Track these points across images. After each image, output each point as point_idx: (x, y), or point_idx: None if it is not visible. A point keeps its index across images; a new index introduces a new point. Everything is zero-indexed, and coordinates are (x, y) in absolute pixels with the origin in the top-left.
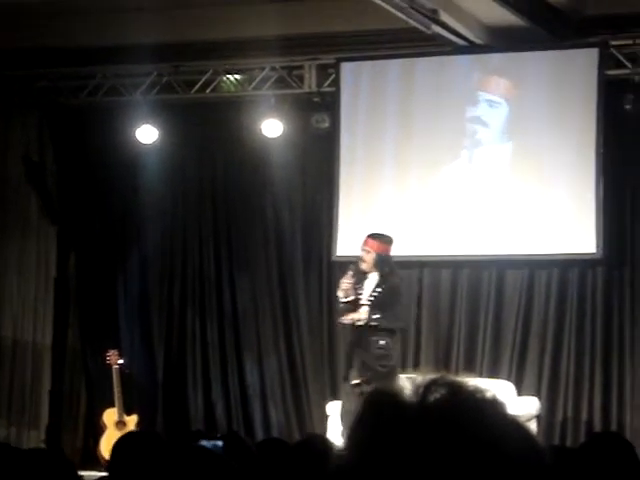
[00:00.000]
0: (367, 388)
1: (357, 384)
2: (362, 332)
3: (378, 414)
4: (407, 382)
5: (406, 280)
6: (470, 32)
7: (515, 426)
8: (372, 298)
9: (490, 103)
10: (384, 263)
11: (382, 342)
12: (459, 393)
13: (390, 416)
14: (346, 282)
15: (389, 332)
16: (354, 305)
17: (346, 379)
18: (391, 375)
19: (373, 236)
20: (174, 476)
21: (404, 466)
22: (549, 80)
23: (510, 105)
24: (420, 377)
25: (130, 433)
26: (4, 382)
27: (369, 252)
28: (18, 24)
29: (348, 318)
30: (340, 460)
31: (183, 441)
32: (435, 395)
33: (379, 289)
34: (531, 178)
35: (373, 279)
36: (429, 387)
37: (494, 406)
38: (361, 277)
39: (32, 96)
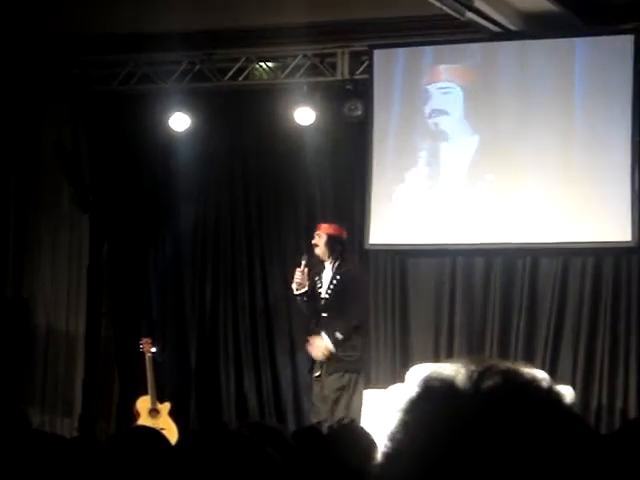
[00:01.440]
0: (326, 379)
1: (318, 376)
2: (325, 326)
3: (431, 400)
4: (459, 368)
5: (439, 269)
6: (505, 19)
7: (571, 416)
8: (330, 291)
9: (441, 89)
10: (335, 244)
11: (339, 335)
12: (514, 381)
13: (443, 402)
14: (299, 273)
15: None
16: (310, 297)
17: (310, 372)
18: (356, 364)
19: (326, 222)
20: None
21: (455, 452)
22: (581, 67)
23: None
24: (474, 364)
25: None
26: (38, 371)
27: (321, 236)
28: (51, 12)
29: (315, 350)
30: (390, 444)
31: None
32: (489, 382)
33: (335, 281)
34: (565, 165)
35: (329, 268)
36: (483, 374)
37: (549, 395)
38: (319, 268)
39: (65, 84)
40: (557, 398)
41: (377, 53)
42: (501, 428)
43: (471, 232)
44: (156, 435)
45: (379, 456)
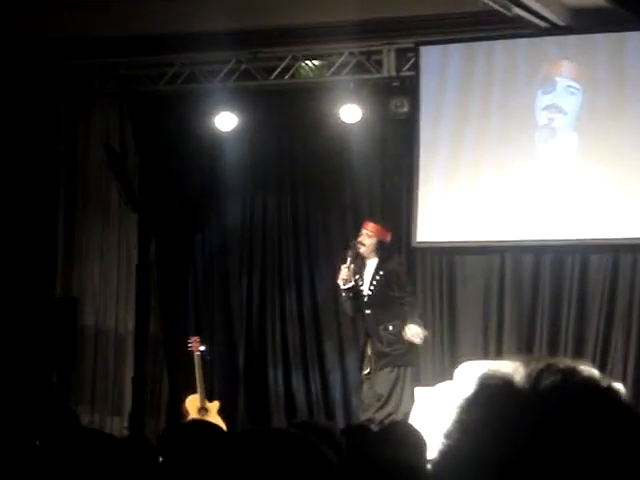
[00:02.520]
0: (376, 375)
1: (367, 374)
2: (373, 322)
3: (489, 397)
4: (517, 366)
5: (487, 266)
6: (551, 14)
7: (631, 413)
8: (372, 287)
9: (570, 90)
10: (383, 249)
11: (391, 327)
12: (573, 379)
13: (502, 400)
14: (345, 268)
15: (398, 315)
16: (354, 293)
17: (361, 370)
18: (404, 358)
19: (374, 221)
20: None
21: (514, 451)
22: (632, 62)
23: (586, 92)
24: (534, 362)
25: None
26: (87, 369)
27: (370, 236)
28: (97, 13)
29: (415, 338)
30: (446, 442)
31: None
32: (548, 381)
33: (378, 277)
34: (615, 157)
35: (372, 265)
36: (542, 372)
37: (608, 394)
38: (360, 264)
39: (112, 85)
40: (616, 396)
41: (423, 50)
42: (560, 427)
43: (519, 229)
44: (214, 429)
45: (435, 453)
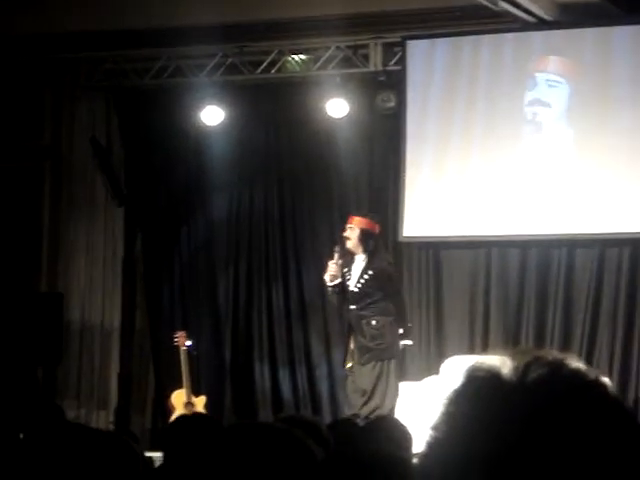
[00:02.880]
0: (359, 370)
1: (350, 368)
2: (356, 317)
3: (476, 390)
4: (505, 359)
5: (473, 260)
6: (539, 8)
7: (617, 408)
8: (359, 285)
9: (549, 83)
10: (368, 238)
11: (374, 322)
12: (560, 372)
13: (489, 393)
14: (332, 265)
15: (381, 311)
16: (341, 288)
17: (344, 364)
18: (387, 352)
19: (358, 214)
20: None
21: (501, 444)
22: (620, 57)
23: (572, 85)
24: (521, 355)
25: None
26: (73, 364)
27: (353, 229)
28: (84, 7)
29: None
30: (434, 434)
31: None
32: (535, 374)
33: (366, 275)
34: (600, 155)
35: (360, 262)
36: (529, 365)
37: (596, 387)
38: (348, 260)
39: (98, 79)
40: (604, 389)
41: (410, 44)
42: (547, 420)
43: (506, 224)
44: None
45: (422, 446)
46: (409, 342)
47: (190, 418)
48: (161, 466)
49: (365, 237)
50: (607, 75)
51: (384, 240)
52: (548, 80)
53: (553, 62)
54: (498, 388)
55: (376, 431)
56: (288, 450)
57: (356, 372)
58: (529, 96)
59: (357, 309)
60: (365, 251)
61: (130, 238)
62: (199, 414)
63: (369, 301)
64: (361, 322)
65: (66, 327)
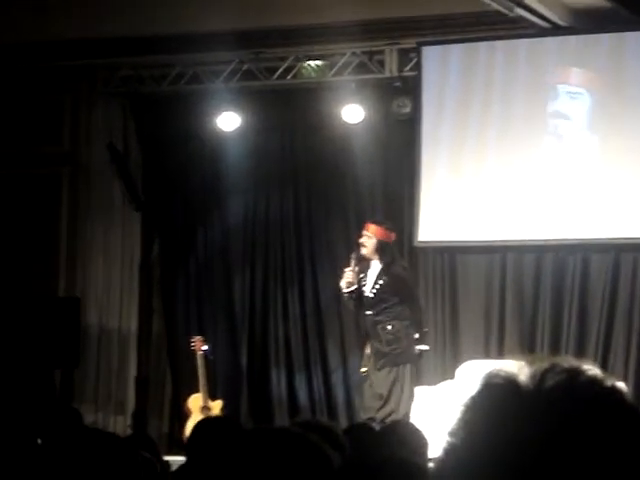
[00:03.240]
0: (375, 375)
1: (364, 372)
2: (372, 322)
3: (493, 397)
4: (522, 366)
5: (489, 265)
6: (553, 14)
7: (634, 415)
8: (375, 290)
9: (571, 95)
10: (385, 250)
11: (389, 327)
12: (577, 380)
13: (506, 400)
14: (349, 271)
15: (397, 316)
16: (357, 294)
17: (359, 368)
18: (402, 356)
19: (375, 222)
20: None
21: (517, 450)
22: (634, 62)
23: (593, 95)
24: (538, 361)
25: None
26: (91, 368)
27: (370, 237)
28: (101, 13)
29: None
30: (451, 440)
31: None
32: (552, 381)
33: (381, 281)
34: (615, 161)
35: (375, 268)
36: (547, 372)
37: (613, 394)
38: (364, 265)
39: (115, 85)
40: (621, 396)
41: (426, 50)
42: (565, 427)
43: (521, 228)
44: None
45: (439, 452)
46: (425, 347)
47: (212, 421)
48: (180, 469)
49: (381, 245)
50: (621, 81)
51: (399, 245)
52: (570, 92)
53: (575, 74)
54: (515, 395)
55: (391, 435)
56: (304, 455)
57: (372, 377)
58: (550, 107)
59: (373, 314)
60: (381, 258)
61: (147, 243)
62: (221, 417)
63: (384, 306)
64: (377, 327)
65: (84, 331)
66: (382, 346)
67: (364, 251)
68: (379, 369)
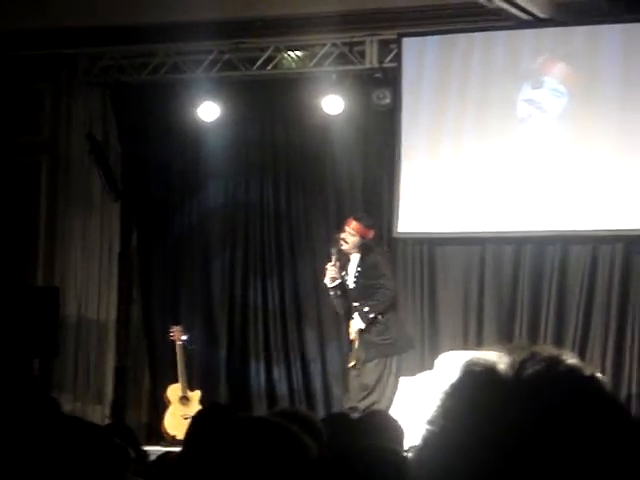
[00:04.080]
0: (367, 368)
1: (353, 366)
2: (360, 314)
3: (473, 385)
4: (502, 355)
5: (468, 257)
6: (533, 6)
7: (614, 403)
8: (355, 280)
9: (554, 93)
10: (364, 245)
11: (379, 317)
12: (556, 368)
13: (485, 387)
14: (331, 267)
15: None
16: (342, 290)
17: (348, 361)
18: (392, 347)
19: (357, 218)
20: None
21: (495, 439)
22: (610, 55)
23: (571, 91)
24: (518, 350)
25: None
26: (69, 358)
27: (353, 235)
28: (82, 2)
29: (353, 334)
30: (430, 428)
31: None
32: (531, 369)
33: (360, 269)
34: (593, 154)
35: (355, 259)
36: (526, 361)
37: (592, 383)
38: (344, 260)
39: (95, 74)
40: (600, 385)
41: (406, 41)
42: (543, 414)
43: (500, 220)
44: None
45: (417, 440)
46: (360, 325)
47: (215, 409)
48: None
49: (362, 242)
50: (597, 74)
51: (379, 236)
52: (554, 89)
53: (560, 69)
54: (495, 383)
55: (368, 425)
56: (282, 444)
57: (361, 369)
58: (529, 93)
59: (359, 305)
60: (359, 251)
61: (126, 233)
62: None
63: (367, 295)
64: (365, 318)
65: (62, 321)
66: (371, 336)
67: (345, 247)
68: (369, 360)
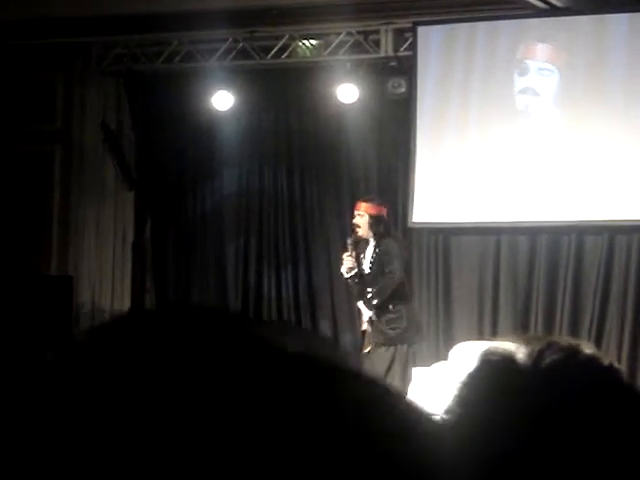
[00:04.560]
0: (376, 355)
1: (368, 352)
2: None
3: (491, 374)
4: (520, 344)
5: (483, 247)
6: None
7: (631, 393)
8: (370, 265)
9: (541, 72)
10: (379, 225)
11: (390, 306)
12: (574, 358)
13: (504, 377)
14: (347, 257)
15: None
16: (359, 278)
17: (361, 348)
18: (401, 337)
19: (364, 199)
20: None
21: (513, 428)
22: (614, 42)
23: (561, 71)
24: (535, 340)
25: None
26: None
27: (362, 215)
28: None
29: (364, 324)
30: (447, 416)
31: None
32: (549, 359)
33: (374, 254)
34: (611, 142)
35: (371, 245)
36: (544, 350)
37: (610, 373)
38: (362, 247)
39: (109, 63)
40: (618, 375)
41: (421, 30)
42: (561, 404)
43: (515, 210)
44: None
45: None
46: (368, 313)
47: None
48: None
49: (374, 222)
50: (601, 60)
51: (393, 221)
52: (540, 69)
53: (541, 50)
54: (513, 372)
55: None
56: None
57: (373, 357)
58: (521, 83)
59: (373, 292)
60: (375, 234)
61: (140, 222)
62: None
63: (380, 282)
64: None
65: (76, 310)
66: (382, 325)
67: (359, 232)
68: (377, 347)
